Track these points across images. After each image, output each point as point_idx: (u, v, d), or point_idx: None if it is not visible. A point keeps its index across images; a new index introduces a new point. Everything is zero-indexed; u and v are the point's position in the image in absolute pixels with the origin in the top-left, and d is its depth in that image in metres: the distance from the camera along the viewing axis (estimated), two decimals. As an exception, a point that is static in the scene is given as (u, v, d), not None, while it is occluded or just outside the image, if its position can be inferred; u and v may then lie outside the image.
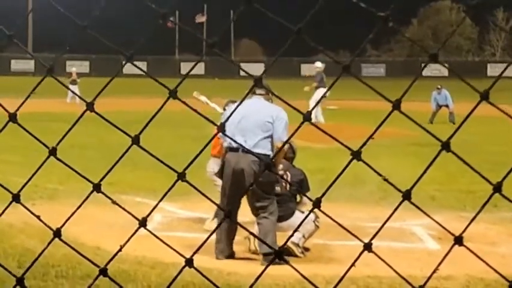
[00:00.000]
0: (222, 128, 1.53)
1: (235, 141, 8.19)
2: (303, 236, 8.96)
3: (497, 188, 1.45)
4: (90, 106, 1.61)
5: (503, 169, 1.58)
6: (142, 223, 1.59)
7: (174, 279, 1.63)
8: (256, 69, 63.94)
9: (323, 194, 1.56)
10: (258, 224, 8.61)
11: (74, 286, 7.28)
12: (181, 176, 1.54)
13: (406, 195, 1.48)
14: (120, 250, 1.70)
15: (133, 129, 1.68)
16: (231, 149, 8.54)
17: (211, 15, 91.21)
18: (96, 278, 1.65)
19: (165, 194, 1.59)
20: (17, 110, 1.69)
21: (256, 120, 8.48)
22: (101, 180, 1.63)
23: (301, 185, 9.11)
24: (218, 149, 10.24)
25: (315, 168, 13.30)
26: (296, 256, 8.74)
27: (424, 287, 1.54)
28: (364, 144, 1.50)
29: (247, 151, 8.30)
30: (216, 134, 1.51)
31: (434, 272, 1.81)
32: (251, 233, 1.99)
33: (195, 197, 10.78)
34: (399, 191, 1.50)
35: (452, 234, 1.51)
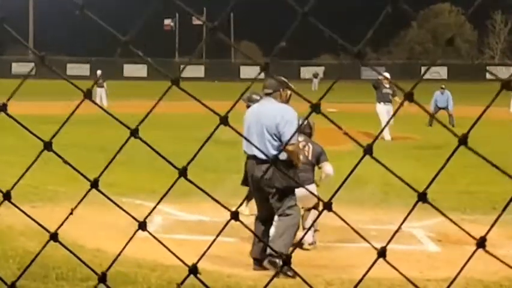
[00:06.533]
0: (225, 120, 1.52)
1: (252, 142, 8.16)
2: (314, 231, 9.47)
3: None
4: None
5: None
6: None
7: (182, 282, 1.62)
8: (256, 71, 63.97)
9: (334, 194, 1.56)
10: (275, 223, 8.46)
11: (74, 288, 7.27)
12: (183, 173, 1.52)
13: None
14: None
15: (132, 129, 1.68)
16: (247, 157, 8.51)
17: (211, 17, 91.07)
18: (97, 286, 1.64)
19: (168, 190, 1.59)
20: None
21: (262, 125, 8.33)
22: (99, 176, 1.62)
23: (320, 157, 9.73)
24: None
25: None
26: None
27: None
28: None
29: (259, 160, 8.19)
30: (217, 127, 1.50)
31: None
32: (254, 234, 1.99)
33: (196, 199, 10.77)
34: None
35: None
